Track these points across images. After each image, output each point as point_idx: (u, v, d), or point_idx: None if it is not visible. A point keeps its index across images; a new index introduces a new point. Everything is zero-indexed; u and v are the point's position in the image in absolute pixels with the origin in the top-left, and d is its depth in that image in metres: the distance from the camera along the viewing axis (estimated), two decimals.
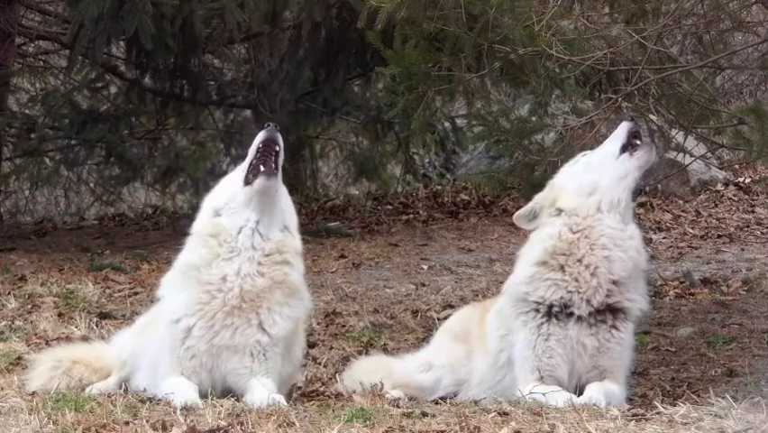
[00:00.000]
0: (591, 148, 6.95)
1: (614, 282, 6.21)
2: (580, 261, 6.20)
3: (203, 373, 6.18)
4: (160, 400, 6.08)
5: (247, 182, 6.26)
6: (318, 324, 8.68)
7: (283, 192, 6.36)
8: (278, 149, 6.23)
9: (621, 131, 6.44)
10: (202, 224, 6.33)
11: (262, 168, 6.21)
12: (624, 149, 6.37)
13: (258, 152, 6.27)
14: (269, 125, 6.33)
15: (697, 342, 7.97)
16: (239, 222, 6.22)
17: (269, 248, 6.22)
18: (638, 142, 6.40)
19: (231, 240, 6.21)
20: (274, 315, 6.21)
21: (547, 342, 6.19)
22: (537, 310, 6.23)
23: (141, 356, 6.53)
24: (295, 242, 6.35)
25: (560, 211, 6.31)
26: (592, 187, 6.30)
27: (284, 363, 6.32)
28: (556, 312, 6.20)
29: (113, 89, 14.79)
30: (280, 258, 6.25)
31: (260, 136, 6.29)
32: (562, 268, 6.22)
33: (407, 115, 8.47)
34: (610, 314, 6.23)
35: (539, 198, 6.47)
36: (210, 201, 6.40)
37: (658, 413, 5.73)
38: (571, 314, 6.19)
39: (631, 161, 6.33)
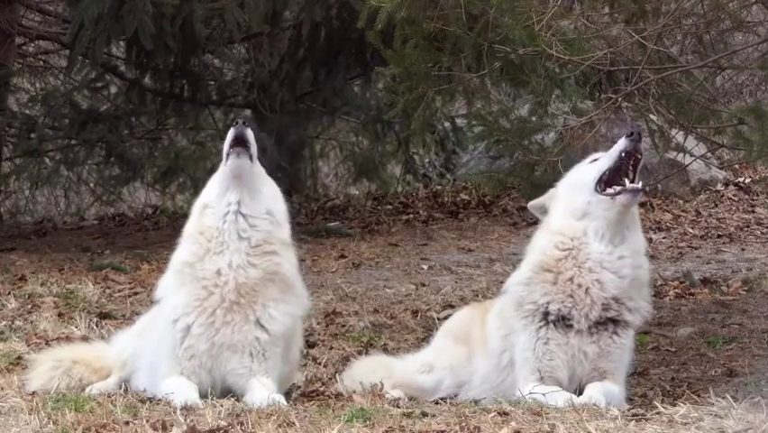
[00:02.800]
0: (593, 148, 6.92)
1: (611, 298, 6.18)
2: (570, 280, 6.18)
3: (203, 373, 6.20)
4: (159, 400, 6.08)
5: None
6: (318, 324, 8.68)
7: (265, 179, 6.50)
8: (247, 144, 6.39)
9: (614, 152, 6.25)
10: (192, 223, 6.47)
11: (231, 150, 6.38)
12: (613, 178, 6.20)
13: (230, 145, 6.42)
14: (236, 122, 6.54)
15: (697, 342, 7.97)
16: (222, 208, 6.35)
17: (255, 238, 6.31)
18: (626, 179, 6.17)
19: (218, 234, 6.31)
20: (270, 310, 6.26)
21: (547, 345, 6.19)
22: (535, 315, 6.23)
23: (142, 357, 6.55)
24: (281, 232, 6.42)
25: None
26: (581, 212, 6.24)
27: (282, 364, 6.33)
28: (553, 320, 6.19)
29: (113, 89, 14.77)
30: (269, 248, 6.33)
31: (231, 133, 6.44)
32: (553, 283, 6.21)
33: (407, 115, 8.47)
34: (611, 323, 6.21)
35: (551, 194, 6.46)
36: (199, 201, 6.56)
37: (658, 413, 5.72)
38: (571, 326, 6.18)
39: (613, 202, 6.17)
